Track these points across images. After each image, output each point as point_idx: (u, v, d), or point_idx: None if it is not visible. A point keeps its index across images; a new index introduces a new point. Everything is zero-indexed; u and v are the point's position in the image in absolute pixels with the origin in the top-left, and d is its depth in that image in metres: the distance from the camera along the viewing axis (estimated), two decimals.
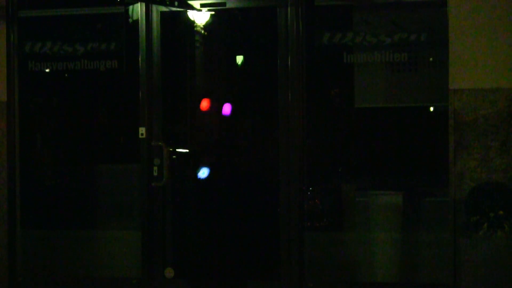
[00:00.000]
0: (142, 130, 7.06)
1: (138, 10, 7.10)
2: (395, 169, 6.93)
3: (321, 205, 7.10)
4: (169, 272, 7.11)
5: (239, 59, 7.43)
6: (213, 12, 7.18)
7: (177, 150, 7.19)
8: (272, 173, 7.05)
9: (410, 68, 6.82)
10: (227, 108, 7.31)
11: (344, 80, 7.03)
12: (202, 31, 7.26)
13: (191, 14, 7.19)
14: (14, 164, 7.29)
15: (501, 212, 6.07)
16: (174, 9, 7.07)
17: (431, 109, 6.97)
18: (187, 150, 7.31)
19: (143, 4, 7.05)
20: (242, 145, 7.52)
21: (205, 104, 7.34)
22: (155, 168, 6.99)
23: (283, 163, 6.92)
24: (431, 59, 6.83)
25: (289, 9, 6.88)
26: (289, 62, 6.88)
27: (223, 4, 7.07)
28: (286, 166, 6.91)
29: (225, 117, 7.40)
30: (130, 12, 7.18)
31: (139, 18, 7.10)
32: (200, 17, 7.19)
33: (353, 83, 6.92)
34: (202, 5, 7.11)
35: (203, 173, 7.23)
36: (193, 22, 7.23)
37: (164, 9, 7.10)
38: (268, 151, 7.29)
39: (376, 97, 6.93)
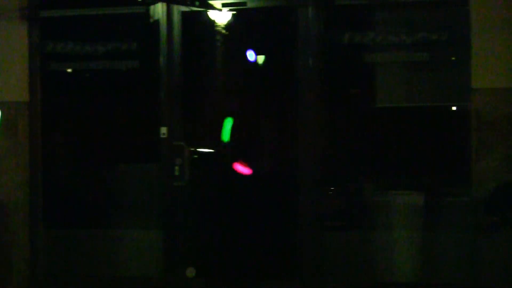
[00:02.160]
0: (163, 130, 7.07)
1: (159, 10, 7.11)
2: (417, 169, 6.91)
3: (341, 205, 7.09)
4: (191, 271, 7.12)
5: (260, 58, 7.43)
6: (234, 12, 7.19)
7: (198, 149, 7.20)
8: (293, 173, 7.05)
9: (432, 67, 6.80)
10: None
11: (365, 80, 7.02)
12: (223, 31, 7.26)
13: (212, 14, 7.20)
14: (36, 164, 7.33)
15: None
16: (195, 9, 7.08)
17: (453, 108, 6.95)
18: (208, 150, 7.32)
19: (164, 4, 7.07)
20: (262, 144, 7.52)
21: None
22: (177, 167, 7.00)
23: (304, 162, 6.92)
24: (452, 58, 6.81)
25: (309, 8, 6.88)
26: (310, 62, 6.87)
27: (244, 3, 7.08)
28: (307, 165, 6.90)
29: (245, 117, 7.40)
30: (151, 12, 7.19)
31: (160, 18, 7.12)
32: (220, 17, 7.20)
33: (374, 83, 6.90)
34: (223, 5, 7.12)
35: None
36: (214, 21, 7.23)
37: (185, 9, 7.11)
38: (288, 151, 7.29)
39: (397, 96, 6.92)
